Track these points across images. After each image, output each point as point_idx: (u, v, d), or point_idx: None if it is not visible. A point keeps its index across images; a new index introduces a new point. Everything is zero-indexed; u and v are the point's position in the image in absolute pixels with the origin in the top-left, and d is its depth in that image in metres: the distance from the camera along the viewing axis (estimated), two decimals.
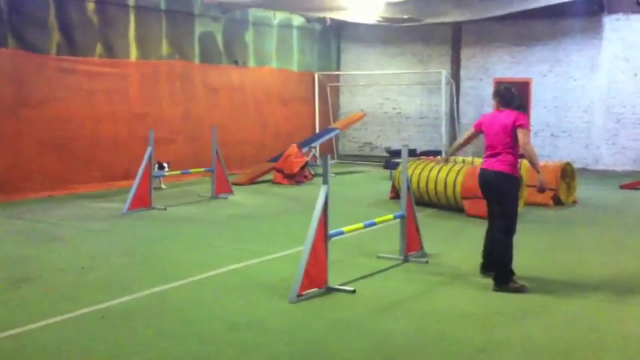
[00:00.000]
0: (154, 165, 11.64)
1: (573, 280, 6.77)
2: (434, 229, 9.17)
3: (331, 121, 20.16)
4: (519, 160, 6.53)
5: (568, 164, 12.18)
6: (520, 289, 6.26)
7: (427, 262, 7.38)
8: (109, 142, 13.43)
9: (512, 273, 6.34)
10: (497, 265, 6.36)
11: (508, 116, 6.40)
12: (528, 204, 11.04)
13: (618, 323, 5.42)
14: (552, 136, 18.25)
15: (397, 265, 7.27)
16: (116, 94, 13.66)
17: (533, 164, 6.39)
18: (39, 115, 12.18)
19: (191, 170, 12.69)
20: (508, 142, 6.37)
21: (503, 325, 5.39)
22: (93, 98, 13.21)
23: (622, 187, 13.99)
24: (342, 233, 6.54)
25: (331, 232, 6.22)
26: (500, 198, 6.47)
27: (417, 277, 6.81)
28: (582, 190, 12.56)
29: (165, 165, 12.92)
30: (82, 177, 12.87)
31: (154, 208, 10.80)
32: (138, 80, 14.17)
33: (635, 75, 17.18)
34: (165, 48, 15.01)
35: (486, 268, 6.73)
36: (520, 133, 6.29)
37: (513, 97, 6.54)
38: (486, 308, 5.81)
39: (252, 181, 14.64)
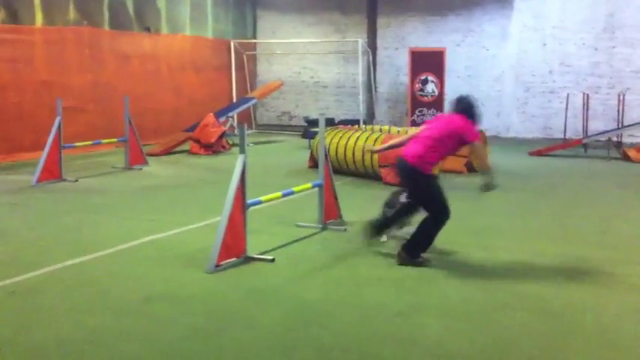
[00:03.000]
0: None
1: (484, 243, 6.98)
2: (352, 198, 9.24)
3: (248, 90, 19.95)
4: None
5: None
6: (424, 263, 6.08)
7: (345, 229, 7.44)
8: (14, 112, 12.84)
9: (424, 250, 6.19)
10: (412, 241, 6.12)
11: (460, 120, 6.10)
12: (442, 171, 11.29)
13: (527, 282, 5.62)
14: None
15: (316, 234, 7.30)
16: (21, 62, 13.03)
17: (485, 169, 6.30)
18: None
19: (103, 141, 12.31)
20: (441, 140, 6.06)
21: (418, 288, 5.51)
22: None
23: (531, 154, 14.51)
24: (260, 202, 6.49)
25: (249, 201, 6.17)
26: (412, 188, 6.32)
27: (335, 245, 6.86)
28: (494, 157, 12.89)
29: None
30: None
31: (65, 179, 10.44)
32: (44, 47, 13.55)
33: (544, 45, 17.74)
34: (72, 13, 14.39)
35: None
36: (477, 147, 6.16)
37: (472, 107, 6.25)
38: (402, 273, 5.91)
39: (168, 152, 14.35)
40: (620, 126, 15.27)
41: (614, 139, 15.43)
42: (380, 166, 10.66)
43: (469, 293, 5.37)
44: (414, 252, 6.11)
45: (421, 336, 4.49)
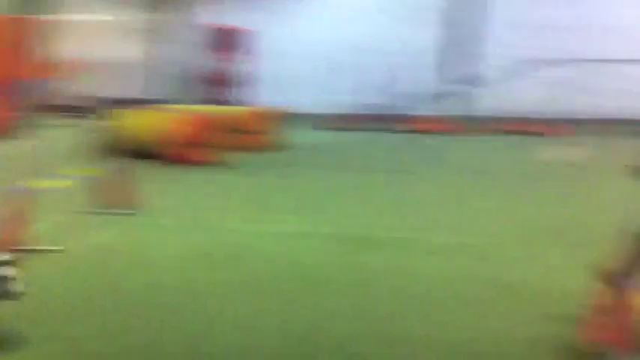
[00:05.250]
0: None
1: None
2: (149, 182, 8.99)
3: (40, 71, 18.70)
4: None
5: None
6: None
7: (135, 214, 7.23)
8: None
9: None
10: None
11: None
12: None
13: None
14: None
15: (113, 220, 7.00)
16: None
17: None
18: None
19: None
20: None
21: (224, 264, 5.50)
22: None
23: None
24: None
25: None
26: None
27: (130, 229, 6.66)
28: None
29: None
30: None
31: None
32: None
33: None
34: None
35: None
36: None
37: None
38: (196, 251, 5.86)
39: None
40: None
41: None
42: (177, 146, 10.54)
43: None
44: None
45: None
